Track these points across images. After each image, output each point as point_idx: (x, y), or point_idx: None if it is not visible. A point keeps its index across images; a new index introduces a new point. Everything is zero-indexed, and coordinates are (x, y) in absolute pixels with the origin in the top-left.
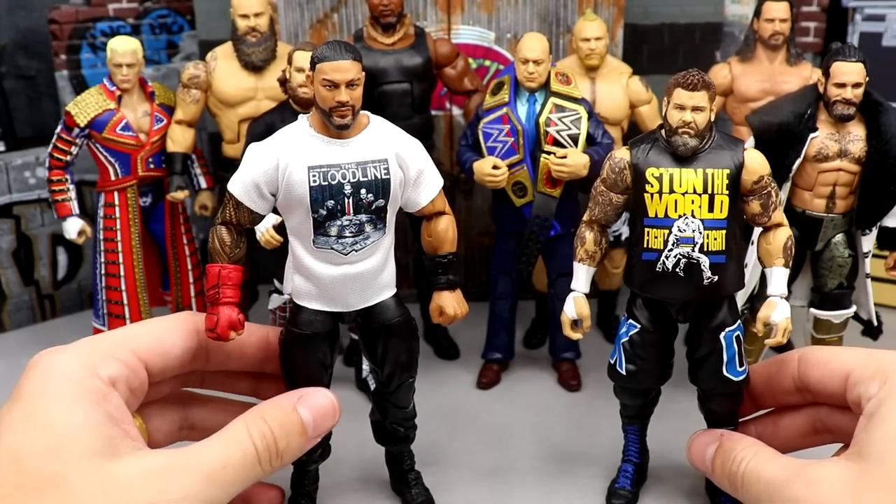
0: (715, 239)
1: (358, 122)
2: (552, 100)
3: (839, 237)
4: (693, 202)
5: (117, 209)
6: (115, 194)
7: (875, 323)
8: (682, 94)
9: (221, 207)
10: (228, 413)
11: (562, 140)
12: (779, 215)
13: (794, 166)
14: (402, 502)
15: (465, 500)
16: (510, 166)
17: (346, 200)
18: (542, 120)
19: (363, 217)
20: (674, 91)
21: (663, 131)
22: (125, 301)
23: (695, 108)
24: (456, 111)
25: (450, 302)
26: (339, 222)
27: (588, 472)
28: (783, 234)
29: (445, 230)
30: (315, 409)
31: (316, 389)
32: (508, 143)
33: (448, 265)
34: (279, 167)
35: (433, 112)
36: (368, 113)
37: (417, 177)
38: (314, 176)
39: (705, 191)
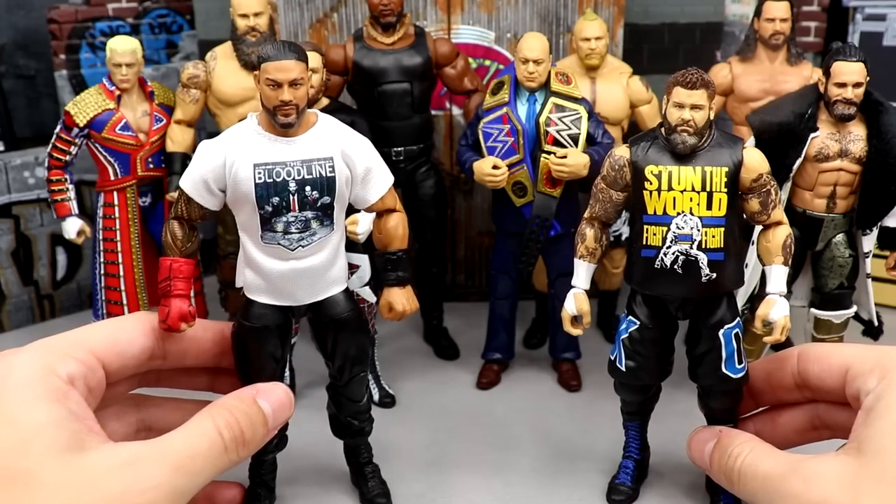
0: (713, 236)
1: (305, 121)
2: (552, 99)
3: (840, 237)
4: (691, 200)
5: (117, 209)
6: (115, 194)
7: (876, 323)
8: (681, 92)
9: (174, 202)
10: (185, 411)
11: (562, 140)
12: (778, 213)
13: (795, 166)
14: (360, 495)
15: (466, 501)
16: (510, 166)
17: (291, 197)
18: (542, 120)
19: (309, 214)
20: (673, 89)
21: (663, 129)
22: (125, 301)
23: (693, 107)
24: (456, 111)
25: (399, 298)
26: (284, 219)
27: (589, 472)
28: (783, 233)
29: (395, 227)
30: (273, 401)
31: (272, 384)
32: (508, 143)
33: (398, 262)
34: (226, 164)
35: (433, 112)
36: (318, 111)
37: (365, 174)
38: (259, 173)
39: (703, 188)
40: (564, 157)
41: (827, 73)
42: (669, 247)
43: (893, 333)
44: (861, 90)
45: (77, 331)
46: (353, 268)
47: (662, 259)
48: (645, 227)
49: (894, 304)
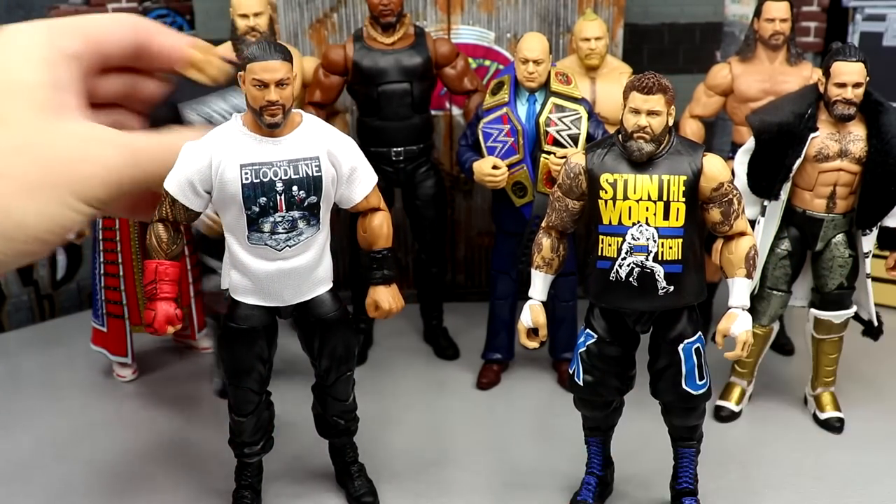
0: (670, 248)
1: (290, 121)
2: (552, 100)
3: (839, 237)
4: (647, 209)
5: None
6: None
7: (875, 323)
8: (637, 97)
9: (158, 204)
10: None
11: (562, 140)
12: (741, 224)
13: (795, 166)
14: (346, 494)
15: (466, 501)
16: (510, 166)
17: (278, 197)
18: (542, 120)
19: (296, 213)
20: (629, 94)
21: (620, 136)
22: (124, 301)
23: (650, 112)
24: (456, 111)
25: (385, 297)
26: (271, 219)
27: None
28: (746, 244)
29: (380, 226)
30: None
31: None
32: (508, 143)
33: (383, 260)
34: (212, 165)
35: (433, 112)
36: (301, 111)
37: (350, 174)
38: (246, 173)
39: (660, 198)
40: (564, 157)
41: (827, 74)
42: (625, 258)
43: (893, 333)
44: (861, 90)
45: (75, 17)
46: None
47: (617, 271)
48: (600, 237)
49: (894, 304)
